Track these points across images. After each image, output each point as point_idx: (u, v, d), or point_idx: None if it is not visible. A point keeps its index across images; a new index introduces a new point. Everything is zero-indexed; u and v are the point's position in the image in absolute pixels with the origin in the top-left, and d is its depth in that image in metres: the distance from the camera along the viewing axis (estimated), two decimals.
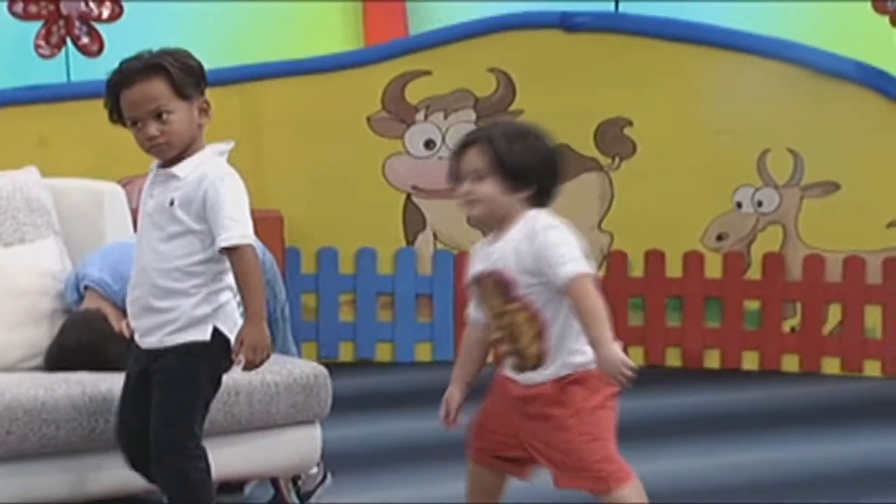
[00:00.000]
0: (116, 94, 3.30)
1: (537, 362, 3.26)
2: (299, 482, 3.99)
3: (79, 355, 3.73)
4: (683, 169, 6.04)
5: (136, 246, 3.36)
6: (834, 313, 5.95)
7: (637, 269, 6.09)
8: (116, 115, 3.32)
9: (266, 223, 5.75)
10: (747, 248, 6.05)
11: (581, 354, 3.24)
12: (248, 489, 4.09)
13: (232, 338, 3.27)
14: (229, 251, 3.22)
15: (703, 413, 5.25)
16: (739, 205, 6.04)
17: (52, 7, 5.92)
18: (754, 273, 6.03)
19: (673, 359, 6.07)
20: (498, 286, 3.28)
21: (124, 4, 6.02)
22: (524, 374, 3.29)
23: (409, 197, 6.13)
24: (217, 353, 3.30)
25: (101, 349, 3.73)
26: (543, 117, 5.98)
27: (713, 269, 6.04)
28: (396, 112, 6.09)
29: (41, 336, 3.81)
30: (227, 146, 3.35)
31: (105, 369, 3.65)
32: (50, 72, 5.95)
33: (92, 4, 5.97)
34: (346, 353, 6.08)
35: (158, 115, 3.26)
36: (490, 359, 3.43)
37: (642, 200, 6.05)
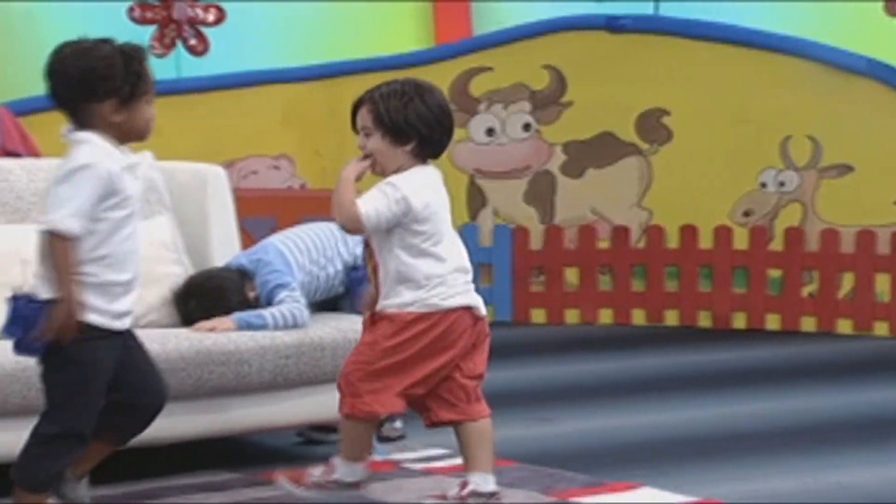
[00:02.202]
0: None
1: (376, 295, 3.23)
2: (381, 429, 4.00)
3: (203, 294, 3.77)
4: (714, 153, 5.99)
5: None
6: (847, 280, 5.90)
7: (673, 241, 6.06)
8: None
9: None
10: (770, 223, 6.00)
11: (397, 297, 3.19)
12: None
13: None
14: None
15: (730, 368, 5.23)
16: (764, 185, 5.99)
17: (164, 13, 5.97)
18: (777, 245, 5.99)
19: (705, 320, 6.04)
20: None
21: (226, 10, 6.06)
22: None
23: (471, 178, 6.13)
24: None
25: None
26: (591, 108, 6.04)
27: (740, 241, 6.00)
28: (461, 103, 6.08)
29: (156, 297, 3.82)
30: None
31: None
32: (162, 70, 5.99)
33: (199, 10, 6.01)
34: None
35: None
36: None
37: (677, 181, 6.02)
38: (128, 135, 3.04)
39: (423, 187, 3.24)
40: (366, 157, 3.25)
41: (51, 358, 2.94)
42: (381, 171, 3.25)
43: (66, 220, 2.90)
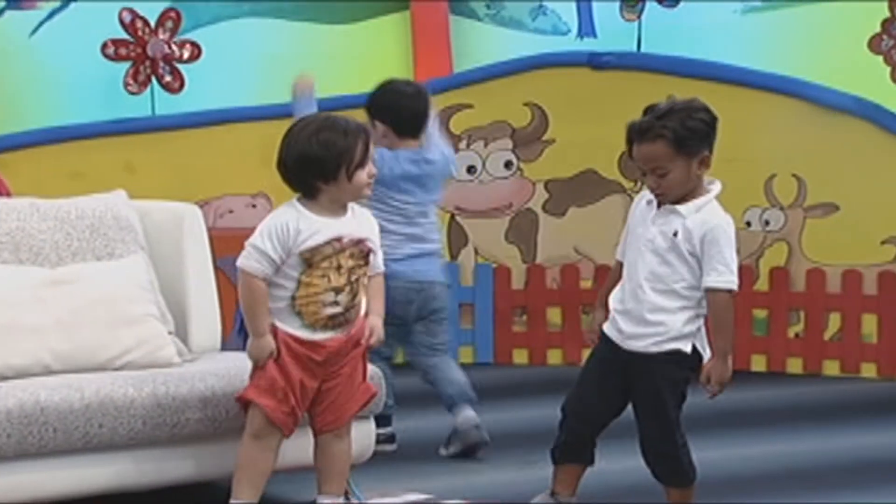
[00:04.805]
0: None
1: (355, 318, 3.54)
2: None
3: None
4: None
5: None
6: (834, 321, 5.91)
7: None
8: None
9: None
10: (756, 263, 6.01)
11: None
12: None
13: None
14: None
15: (715, 410, 5.20)
16: (749, 224, 6.00)
17: (139, 50, 5.98)
18: (762, 285, 6.00)
19: None
20: (359, 251, 3.53)
21: (203, 47, 6.06)
22: (332, 332, 3.50)
23: (452, 217, 6.13)
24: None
25: None
26: (573, 146, 6.05)
27: None
28: None
29: (131, 338, 3.82)
30: None
31: None
32: (137, 107, 6.01)
33: (174, 47, 6.02)
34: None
35: None
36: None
37: None
38: None
39: None
40: None
41: (681, 384, 3.50)
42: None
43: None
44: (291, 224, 3.49)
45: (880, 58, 6.14)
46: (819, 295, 5.90)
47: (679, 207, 3.47)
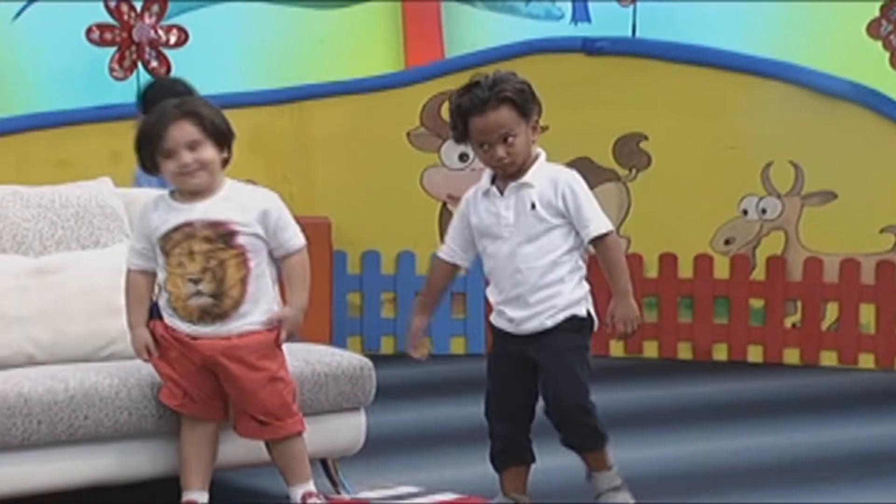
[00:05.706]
0: None
1: (234, 306, 3.39)
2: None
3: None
4: (694, 179, 6.01)
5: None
6: (831, 311, 5.92)
7: (652, 271, 6.07)
8: None
9: (316, 228, 5.77)
10: (752, 252, 6.02)
11: (272, 312, 3.46)
12: None
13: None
14: None
15: (711, 402, 5.23)
16: (745, 212, 6.01)
17: (124, 34, 5.96)
18: (759, 274, 6.00)
19: (685, 352, 6.05)
20: (216, 234, 3.41)
21: (189, 31, 6.05)
22: (213, 325, 3.40)
23: (444, 205, 6.13)
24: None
25: None
26: (567, 133, 6.03)
27: (721, 270, 6.02)
28: (433, 128, 6.09)
29: (116, 328, 3.81)
30: None
31: None
32: (122, 93, 5.99)
33: (160, 32, 6.00)
34: (387, 346, 6.08)
35: None
36: None
37: (657, 208, 6.02)
38: None
39: None
40: None
41: (584, 351, 3.45)
42: (203, 186, 3.45)
43: None
44: (147, 214, 3.51)
45: (879, 43, 6.14)
46: (816, 284, 5.90)
47: (525, 179, 3.45)
